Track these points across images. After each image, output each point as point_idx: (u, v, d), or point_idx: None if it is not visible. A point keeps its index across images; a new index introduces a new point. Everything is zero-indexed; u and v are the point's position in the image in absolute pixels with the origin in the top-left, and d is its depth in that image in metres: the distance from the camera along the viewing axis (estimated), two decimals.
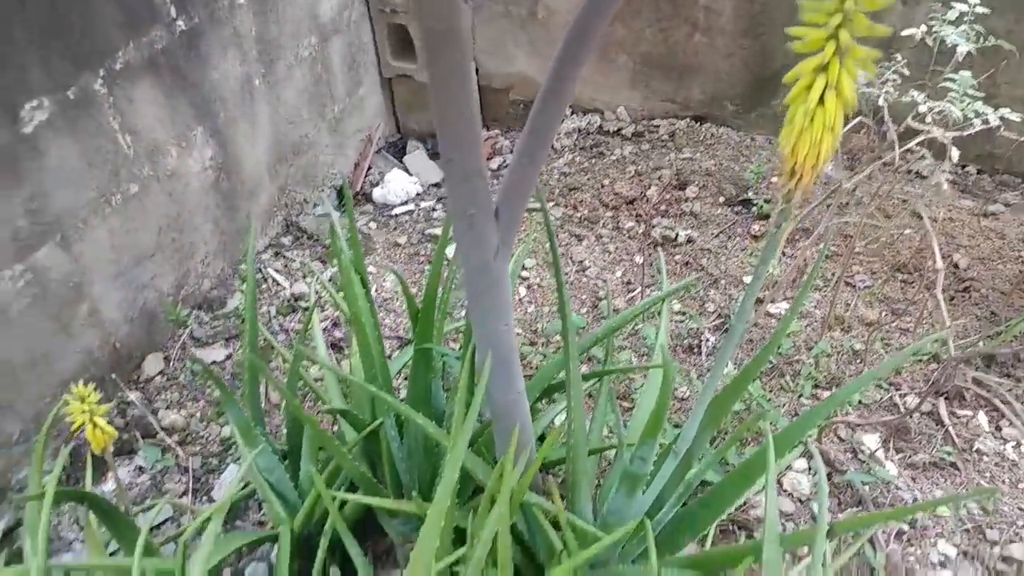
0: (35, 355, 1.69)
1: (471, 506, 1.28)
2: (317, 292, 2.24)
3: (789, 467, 1.74)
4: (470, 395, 1.17)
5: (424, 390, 1.41)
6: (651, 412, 1.17)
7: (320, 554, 1.36)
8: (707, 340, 1.99)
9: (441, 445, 1.43)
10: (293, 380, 1.46)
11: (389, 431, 1.33)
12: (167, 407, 1.90)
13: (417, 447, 1.40)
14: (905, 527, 1.61)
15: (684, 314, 2.07)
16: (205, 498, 1.76)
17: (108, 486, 1.76)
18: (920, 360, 1.90)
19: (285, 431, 1.56)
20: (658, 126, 2.80)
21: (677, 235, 2.29)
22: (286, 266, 2.36)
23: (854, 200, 2.16)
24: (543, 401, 1.67)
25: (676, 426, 1.76)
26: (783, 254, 2.20)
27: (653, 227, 2.32)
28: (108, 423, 1.20)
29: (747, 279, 2.16)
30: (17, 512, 1.71)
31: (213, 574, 1.44)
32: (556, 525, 1.13)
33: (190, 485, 1.77)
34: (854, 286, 2.09)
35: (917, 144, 1.63)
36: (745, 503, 1.64)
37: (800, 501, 1.67)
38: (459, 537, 1.16)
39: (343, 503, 1.42)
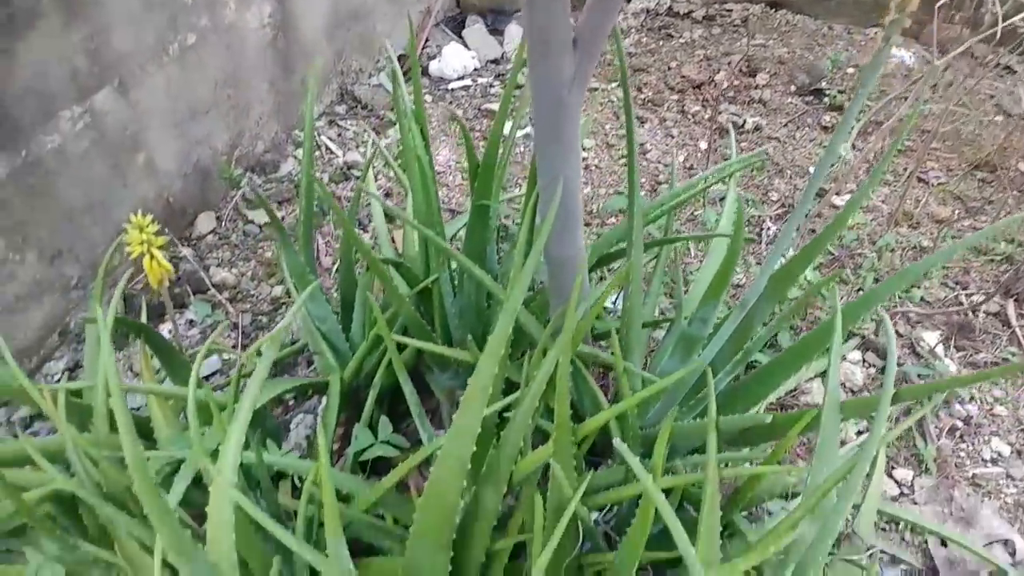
0: (92, 201, 1.70)
1: (521, 363, 1.27)
2: (372, 163, 2.21)
3: (843, 358, 1.70)
4: (529, 246, 1.14)
5: (479, 250, 1.38)
6: (716, 273, 1.13)
7: (368, 404, 1.37)
8: (768, 229, 1.93)
9: (493, 306, 1.41)
10: (349, 235, 1.44)
11: (444, 286, 1.32)
12: (218, 265, 1.91)
13: (469, 306, 1.38)
14: (959, 423, 1.57)
15: (747, 202, 2.00)
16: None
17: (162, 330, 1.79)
18: (992, 260, 1.82)
19: (338, 293, 1.56)
20: (730, 10, 2.66)
21: (744, 122, 2.20)
22: (340, 135, 2.33)
23: (937, 94, 2.04)
24: (596, 274, 1.64)
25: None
26: (853, 146, 2.10)
27: (719, 113, 2.23)
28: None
29: (812, 169, 2.07)
30: (75, 355, 1.76)
31: (259, 419, 1.46)
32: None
33: (239, 340, 1.79)
34: (927, 182, 2.00)
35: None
36: (796, 388, 1.61)
37: (852, 392, 1.64)
38: (509, 392, 1.15)
39: (391, 363, 1.42)
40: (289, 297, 1.84)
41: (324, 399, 1.63)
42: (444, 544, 0.95)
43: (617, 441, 0.81)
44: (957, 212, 1.91)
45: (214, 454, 1.12)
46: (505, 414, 1.02)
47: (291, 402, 1.65)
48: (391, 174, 2.15)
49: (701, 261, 1.88)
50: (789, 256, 1.83)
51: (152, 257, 1.20)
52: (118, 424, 0.76)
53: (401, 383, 1.13)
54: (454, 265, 1.41)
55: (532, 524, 1.06)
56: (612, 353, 1.06)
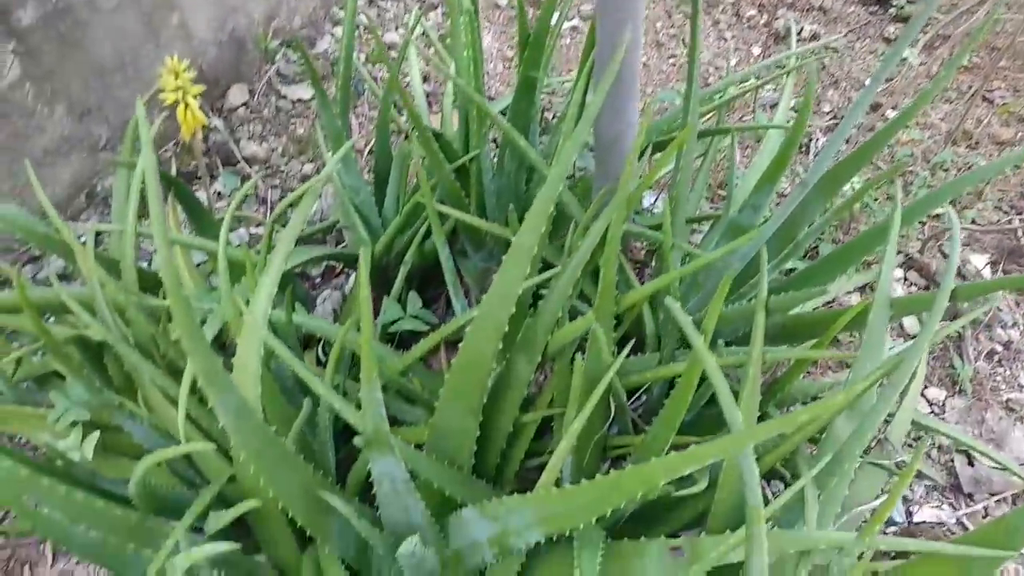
0: (124, 58, 1.65)
1: (560, 244, 1.23)
2: (413, 39, 2.13)
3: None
4: (578, 118, 1.08)
5: (522, 127, 1.32)
6: (773, 159, 1.08)
7: (398, 280, 1.34)
8: (817, 140, 1.85)
9: (532, 187, 1.37)
10: (387, 106, 1.39)
11: (484, 162, 1.27)
12: (249, 138, 1.86)
13: (507, 186, 1.34)
14: (999, 347, 1.53)
15: (797, 111, 1.92)
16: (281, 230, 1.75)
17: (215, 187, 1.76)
18: None
19: (370, 174, 1.52)
20: None
21: (801, 29, 2.09)
22: (379, 15, 2.24)
23: (1012, 10, 1.92)
24: (640, 163, 1.58)
25: None
26: (915, 60, 1.99)
27: (776, 18, 2.12)
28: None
29: (869, 80, 1.97)
30: (103, 218, 1.74)
31: (288, 285, 1.44)
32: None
33: (267, 215, 1.76)
34: (991, 101, 1.90)
35: None
36: (833, 300, 1.57)
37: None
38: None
39: (422, 242, 1.39)
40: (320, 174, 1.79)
41: (351, 277, 1.61)
42: (474, 409, 0.93)
43: (669, 299, 0.78)
44: (1020, 134, 1.82)
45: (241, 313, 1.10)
46: (542, 289, 0.99)
47: (318, 280, 1.63)
48: (429, 60, 2.08)
49: (747, 168, 1.81)
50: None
51: (186, 106, 1.16)
52: (156, 244, 0.73)
53: (438, 248, 1.10)
54: (490, 151, 1.36)
55: (560, 401, 1.04)
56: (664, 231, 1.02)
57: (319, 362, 1.36)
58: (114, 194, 1.35)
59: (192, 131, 1.18)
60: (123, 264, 1.11)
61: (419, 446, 0.97)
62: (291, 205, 1.78)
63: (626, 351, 0.88)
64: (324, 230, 1.64)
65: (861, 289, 1.62)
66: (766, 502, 1.13)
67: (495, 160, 1.37)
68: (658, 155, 1.56)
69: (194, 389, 0.83)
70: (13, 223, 1.19)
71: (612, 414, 0.99)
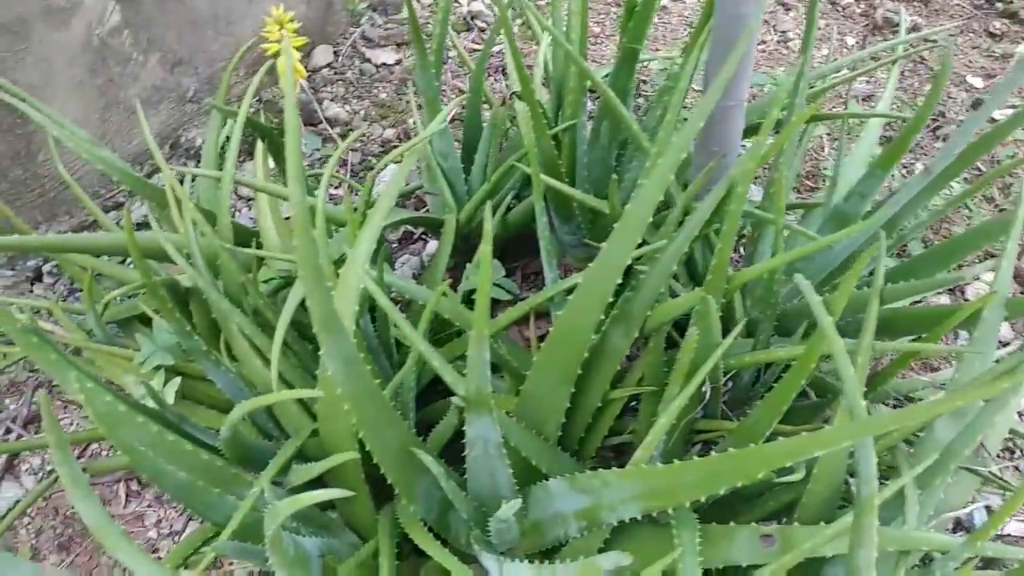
0: (217, 11, 1.66)
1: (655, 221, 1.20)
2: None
3: (976, 279, 1.58)
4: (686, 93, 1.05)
5: (621, 98, 1.29)
6: (889, 148, 1.04)
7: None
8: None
9: (623, 163, 1.34)
10: (480, 70, 1.37)
11: (579, 132, 1.24)
12: (331, 100, 1.86)
13: (600, 160, 1.31)
14: None
15: (893, 104, 1.85)
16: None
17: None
18: None
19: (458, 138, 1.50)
20: None
21: (900, 20, 2.02)
22: None
23: None
24: None
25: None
26: None
27: (875, 8, 2.05)
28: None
29: (973, 79, 1.89)
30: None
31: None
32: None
33: (347, 178, 1.76)
34: None
35: None
36: (920, 301, 1.52)
37: None
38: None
39: (506, 213, 1.37)
40: (400, 141, 1.79)
41: (428, 244, 1.60)
42: (568, 379, 0.91)
43: (799, 277, 0.75)
44: None
45: (335, 264, 1.10)
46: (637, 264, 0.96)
47: (395, 245, 1.62)
48: (516, 32, 2.05)
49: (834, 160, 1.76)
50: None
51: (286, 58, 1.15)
52: (289, 182, 0.72)
53: (537, 216, 1.07)
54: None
55: (651, 379, 1.02)
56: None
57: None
58: (205, 142, 1.36)
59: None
60: (219, 212, 1.12)
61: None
62: (369, 168, 1.78)
63: (736, 331, 0.85)
64: (403, 195, 1.63)
65: (950, 291, 1.57)
66: (850, 500, 1.10)
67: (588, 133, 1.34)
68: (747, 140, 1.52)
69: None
70: (112, 165, 1.20)
71: (706, 396, 0.97)
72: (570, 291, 1.09)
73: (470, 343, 0.75)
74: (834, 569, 0.93)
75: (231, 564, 1.25)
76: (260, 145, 1.30)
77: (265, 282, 1.21)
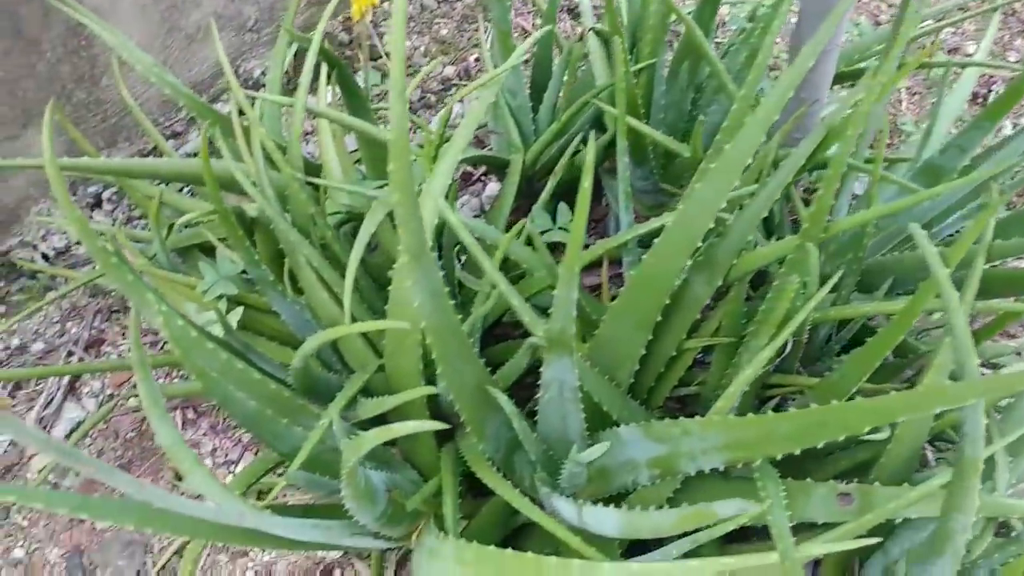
0: None
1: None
2: None
3: None
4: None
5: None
6: (998, 99, 0.98)
7: (547, 190, 1.30)
8: (996, 92, 1.70)
9: (698, 108, 1.29)
10: (554, 5, 1.31)
11: (659, 71, 1.19)
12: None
13: (675, 103, 1.26)
14: None
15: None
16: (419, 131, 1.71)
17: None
18: None
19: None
20: None
21: None
22: None
23: None
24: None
25: None
26: None
27: None
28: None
29: None
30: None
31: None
32: None
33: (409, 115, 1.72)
34: None
35: None
36: (999, 263, 1.46)
37: None
38: None
39: (573, 155, 1.33)
40: (461, 80, 1.74)
41: (488, 185, 1.56)
42: (647, 325, 0.89)
43: (913, 225, 0.71)
44: None
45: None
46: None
47: (456, 181, 1.59)
48: None
49: (915, 117, 1.69)
50: None
51: None
52: (392, 100, 0.69)
53: (618, 157, 1.03)
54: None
55: (728, 330, 0.99)
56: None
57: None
58: (270, 70, 1.33)
59: (362, 12, 1.14)
60: (290, 141, 1.09)
61: None
62: (428, 107, 1.74)
63: (832, 282, 0.82)
64: None
65: None
66: (924, 464, 1.07)
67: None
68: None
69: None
70: (178, 90, 1.18)
71: (787, 350, 0.93)
72: (643, 239, 1.06)
73: (560, 281, 0.72)
74: (908, 532, 0.91)
75: (283, 495, 1.26)
76: (324, 76, 1.27)
77: (329, 215, 1.19)
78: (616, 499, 0.94)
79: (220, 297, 1.14)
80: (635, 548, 0.90)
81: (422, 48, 1.79)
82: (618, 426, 0.91)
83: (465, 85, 1.71)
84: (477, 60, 1.75)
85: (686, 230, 0.82)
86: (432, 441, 1.03)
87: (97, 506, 0.71)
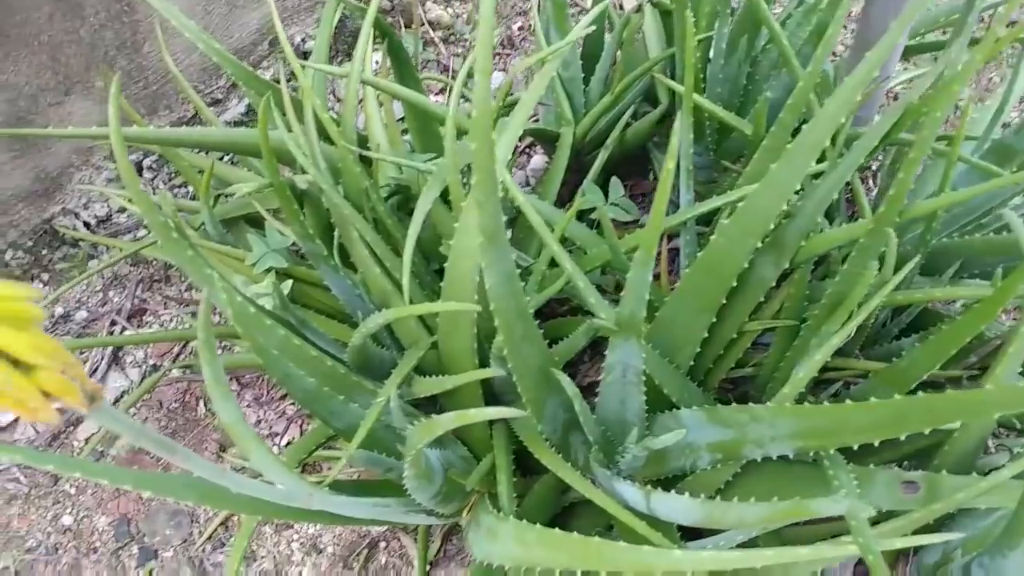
0: None
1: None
2: None
3: None
4: None
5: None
6: None
7: (597, 164, 1.27)
8: None
9: (755, 82, 1.25)
10: None
11: (718, 44, 1.16)
12: (433, 1, 1.78)
13: (731, 76, 1.23)
14: None
15: None
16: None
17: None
18: None
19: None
20: None
21: None
22: None
23: None
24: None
25: None
26: None
27: None
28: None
29: None
30: (286, 67, 1.71)
31: None
32: None
33: (448, 83, 1.69)
34: None
35: None
36: None
37: None
38: None
39: (627, 126, 1.31)
40: (504, 48, 1.71)
41: (533, 158, 1.54)
42: (711, 307, 0.87)
43: (1009, 212, 0.68)
44: None
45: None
46: None
47: None
48: None
49: (971, 92, 1.64)
50: None
51: None
52: (476, 72, 0.67)
53: (680, 130, 1.00)
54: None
55: (789, 313, 0.97)
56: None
57: None
58: (318, 37, 1.31)
59: None
60: (344, 112, 1.07)
61: None
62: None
63: (910, 267, 0.79)
64: (506, 105, 1.57)
65: None
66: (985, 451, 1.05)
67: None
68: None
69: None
70: (225, 57, 1.16)
71: (850, 334, 0.91)
72: (704, 217, 1.03)
73: (635, 264, 0.70)
74: (968, 520, 0.89)
75: (329, 468, 1.26)
76: (370, 45, 1.24)
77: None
78: (671, 481, 0.93)
79: (269, 270, 1.13)
80: (688, 532, 0.89)
81: (464, 16, 1.76)
82: (678, 408, 0.89)
83: (508, 53, 1.68)
84: (520, 29, 1.72)
85: (758, 212, 0.80)
86: (485, 423, 1.02)
87: (160, 482, 0.71)
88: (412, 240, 0.90)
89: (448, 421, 0.64)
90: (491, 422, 1.03)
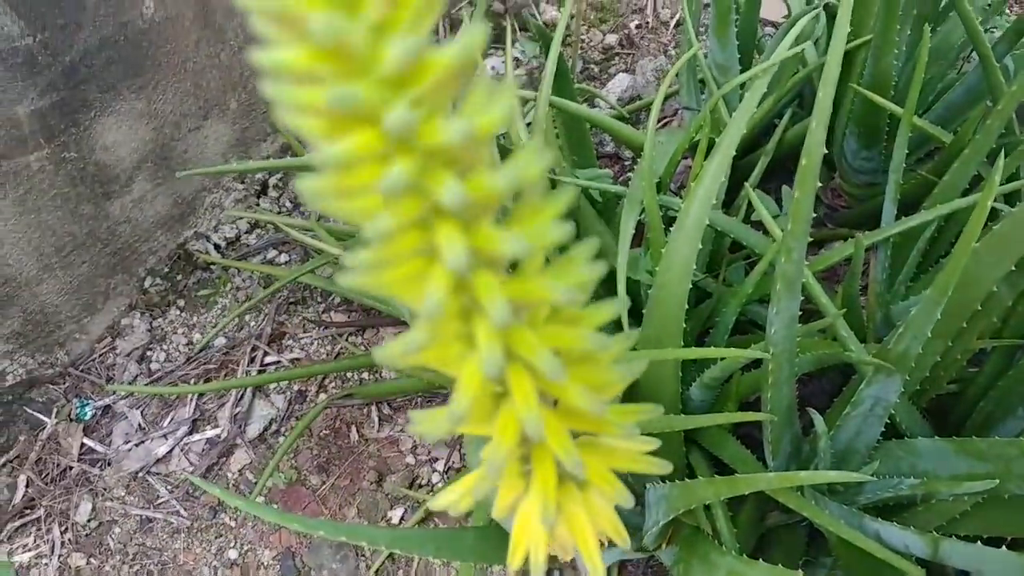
0: None
1: None
2: None
3: None
4: None
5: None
6: None
7: (757, 171, 1.23)
8: None
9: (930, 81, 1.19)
10: None
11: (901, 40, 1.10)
12: (548, 2, 1.74)
13: (908, 77, 1.17)
14: None
15: None
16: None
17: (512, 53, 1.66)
18: None
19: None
20: None
21: None
22: None
23: None
24: None
25: None
26: None
27: None
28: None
29: None
30: None
31: None
32: None
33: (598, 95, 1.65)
34: None
35: None
36: None
37: None
38: None
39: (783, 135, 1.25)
40: (623, 48, 1.66)
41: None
42: (947, 334, 0.82)
43: None
44: None
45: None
46: None
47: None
48: None
49: None
50: None
51: None
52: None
53: (896, 149, 0.96)
54: None
55: (1013, 329, 0.92)
56: None
57: None
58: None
59: None
60: (536, 127, 1.03)
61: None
62: (592, 78, 1.66)
63: None
64: (631, 110, 1.52)
65: None
66: None
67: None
68: None
69: None
70: None
71: None
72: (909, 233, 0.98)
73: (921, 305, 0.66)
74: None
75: None
76: (510, 52, 1.20)
77: None
78: (895, 510, 0.89)
79: None
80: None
81: (578, 15, 1.71)
82: (909, 437, 0.85)
83: (629, 53, 1.63)
84: (638, 27, 1.66)
85: (1017, 235, 0.75)
86: (681, 448, 0.98)
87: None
88: (622, 278, 0.86)
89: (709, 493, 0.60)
90: (688, 451, 1.00)
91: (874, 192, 1.24)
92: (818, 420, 0.75)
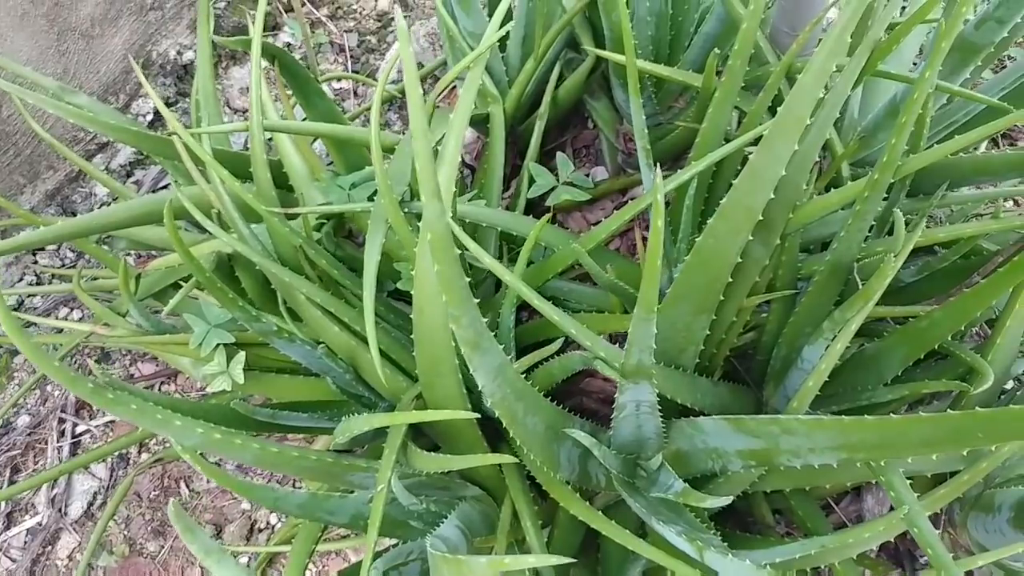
0: None
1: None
2: None
3: None
4: None
5: None
6: None
7: (535, 137, 1.17)
8: None
9: (685, 14, 1.15)
10: None
11: None
12: None
13: (659, 11, 1.11)
14: None
15: None
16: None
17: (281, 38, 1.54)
18: None
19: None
20: None
21: None
22: None
23: None
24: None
25: None
26: None
27: None
28: None
29: None
30: (164, 90, 1.53)
31: None
32: None
33: (349, 65, 1.55)
34: None
35: None
36: None
37: None
38: None
39: (558, 85, 1.20)
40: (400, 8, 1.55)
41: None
42: (709, 306, 0.80)
43: None
44: None
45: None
46: None
47: None
48: None
49: None
50: None
51: None
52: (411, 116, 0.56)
53: (632, 96, 0.90)
54: None
55: (783, 283, 0.91)
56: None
57: None
58: (198, 64, 1.15)
59: None
60: (255, 168, 0.94)
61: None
62: (371, 51, 1.56)
63: (920, 230, 0.73)
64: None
65: None
66: None
67: None
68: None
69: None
70: (88, 118, 0.99)
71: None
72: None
73: (634, 321, 0.62)
74: None
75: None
76: (256, 48, 1.08)
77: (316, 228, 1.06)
78: (700, 481, 0.88)
79: (216, 347, 1.03)
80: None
81: None
82: (696, 415, 0.84)
83: (405, 16, 1.52)
84: None
85: (743, 205, 0.72)
86: (496, 469, 0.95)
87: None
88: (369, 303, 0.81)
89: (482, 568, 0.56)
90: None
91: (663, 133, 1.20)
92: (581, 436, 0.73)
